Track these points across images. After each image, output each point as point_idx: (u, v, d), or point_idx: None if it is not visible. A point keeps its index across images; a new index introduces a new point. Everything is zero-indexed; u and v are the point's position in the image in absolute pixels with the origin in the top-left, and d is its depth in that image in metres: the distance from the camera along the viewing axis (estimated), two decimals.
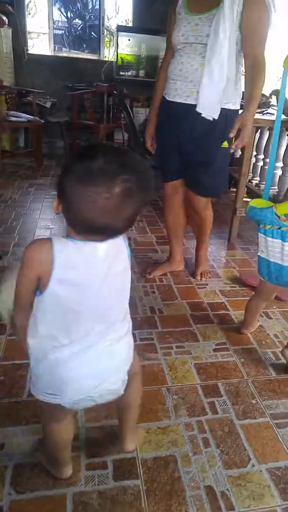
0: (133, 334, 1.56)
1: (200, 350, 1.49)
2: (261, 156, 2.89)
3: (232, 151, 1.66)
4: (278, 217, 1.22)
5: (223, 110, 1.61)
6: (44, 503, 0.94)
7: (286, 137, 2.78)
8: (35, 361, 0.81)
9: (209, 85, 1.56)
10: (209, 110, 1.60)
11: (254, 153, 2.93)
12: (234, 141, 1.64)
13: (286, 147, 2.58)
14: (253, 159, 2.95)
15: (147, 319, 1.66)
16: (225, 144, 1.68)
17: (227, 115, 1.63)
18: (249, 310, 1.55)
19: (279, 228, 1.23)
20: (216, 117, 1.60)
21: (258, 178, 2.96)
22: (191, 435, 1.14)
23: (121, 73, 4.74)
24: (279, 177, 2.63)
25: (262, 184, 2.82)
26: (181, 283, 1.98)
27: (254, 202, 1.31)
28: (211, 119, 1.60)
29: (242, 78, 1.66)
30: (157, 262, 2.16)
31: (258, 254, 1.36)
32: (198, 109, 1.61)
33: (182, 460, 1.06)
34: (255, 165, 3.00)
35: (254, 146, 2.83)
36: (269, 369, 1.41)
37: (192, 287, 1.95)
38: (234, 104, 1.67)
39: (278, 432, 1.15)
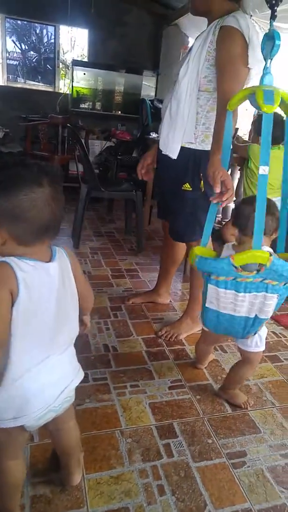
0: (86, 374, 1.52)
1: (155, 388, 1.46)
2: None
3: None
4: (236, 268, 1.11)
5: (183, 150, 1.58)
6: None
7: (238, 171, 2.95)
8: None
9: (167, 122, 1.60)
10: (165, 148, 1.63)
11: None
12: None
13: (238, 181, 2.72)
14: None
15: (100, 358, 1.61)
16: (186, 186, 1.60)
17: (188, 155, 1.57)
18: (199, 352, 1.58)
19: (234, 279, 1.13)
20: (174, 156, 1.60)
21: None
22: (146, 483, 1.09)
23: (80, 105, 4.82)
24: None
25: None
26: (136, 318, 1.96)
27: (198, 252, 1.21)
28: (172, 157, 1.61)
29: (212, 116, 1.52)
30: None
31: (206, 305, 1.23)
32: (160, 146, 1.65)
33: None
34: None
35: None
36: (225, 405, 1.41)
37: (147, 321, 1.93)
38: (199, 143, 1.56)
39: (234, 473, 1.14)
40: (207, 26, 1.51)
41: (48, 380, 0.82)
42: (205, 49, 1.47)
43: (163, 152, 1.66)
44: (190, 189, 1.62)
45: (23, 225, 0.72)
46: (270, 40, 1.09)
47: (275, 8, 1.13)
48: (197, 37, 1.54)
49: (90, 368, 1.53)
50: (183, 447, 1.21)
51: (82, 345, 1.67)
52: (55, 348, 0.83)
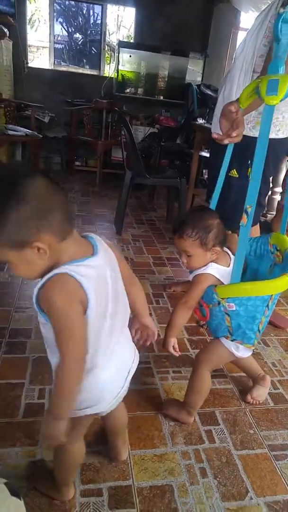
0: None
1: None
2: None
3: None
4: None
5: None
6: None
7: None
8: None
9: (219, 105, 1.57)
10: (215, 131, 1.62)
11: None
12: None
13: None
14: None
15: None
16: (233, 172, 1.58)
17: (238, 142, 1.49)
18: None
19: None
20: None
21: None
22: (188, 464, 1.13)
23: (124, 90, 4.81)
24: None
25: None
26: None
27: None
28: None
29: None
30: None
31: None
32: (212, 130, 1.62)
33: (179, 490, 1.06)
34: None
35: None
36: (267, 398, 1.42)
37: None
38: (250, 130, 1.48)
39: (276, 464, 1.16)
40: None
41: (116, 365, 0.84)
42: (265, 24, 1.38)
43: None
44: (237, 175, 1.59)
45: (51, 215, 0.66)
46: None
47: None
48: (258, 15, 1.47)
49: None
50: (224, 434, 1.24)
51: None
52: (116, 333, 0.84)
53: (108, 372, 0.82)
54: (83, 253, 0.73)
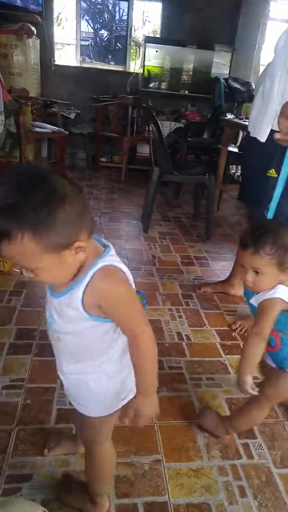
0: (160, 360, 1.52)
1: (232, 383, 1.43)
2: None
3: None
4: None
5: (273, 134, 1.37)
6: None
7: None
8: (106, 385, 0.79)
9: (258, 102, 1.51)
10: (254, 129, 1.53)
11: None
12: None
13: None
14: None
15: (174, 346, 1.61)
16: (271, 172, 1.50)
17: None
18: None
19: None
20: (262, 139, 1.50)
21: None
22: (226, 481, 1.08)
23: (149, 85, 4.74)
24: None
25: None
26: (208, 308, 1.92)
27: None
28: (260, 140, 1.51)
29: None
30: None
31: None
32: (248, 128, 1.55)
33: (217, 510, 1.00)
34: None
35: None
36: None
37: (220, 313, 1.89)
38: None
39: None
40: None
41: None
42: None
43: (251, 134, 1.56)
44: (275, 175, 1.51)
45: (87, 213, 0.65)
46: None
47: None
48: None
49: (165, 355, 1.53)
50: (263, 449, 1.17)
51: (155, 331, 1.67)
52: None
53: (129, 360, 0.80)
54: (99, 248, 0.72)
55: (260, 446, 1.19)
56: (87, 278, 0.66)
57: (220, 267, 2.39)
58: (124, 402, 0.81)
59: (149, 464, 1.10)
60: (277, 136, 1.18)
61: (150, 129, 2.94)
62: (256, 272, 1.01)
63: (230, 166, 4.04)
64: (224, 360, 1.55)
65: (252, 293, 1.09)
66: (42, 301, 1.83)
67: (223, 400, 1.35)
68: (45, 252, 0.60)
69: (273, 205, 1.43)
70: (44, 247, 0.59)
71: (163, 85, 4.82)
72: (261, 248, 0.98)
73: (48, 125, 3.79)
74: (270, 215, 1.42)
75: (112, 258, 0.70)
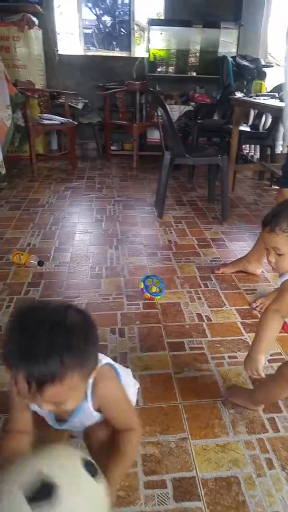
0: (181, 342, 1.52)
1: None
2: None
3: None
4: None
5: None
6: None
7: None
8: None
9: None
10: None
11: None
12: None
13: None
14: None
15: (195, 327, 1.60)
16: None
17: None
18: None
19: None
20: None
21: None
22: (253, 454, 1.08)
23: (156, 69, 4.65)
24: None
25: None
26: (227, 288, 1.91)
27: None
28: None
29: None
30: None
31: None
32: None
33: (246, 483, 1.00)
34: None
35: None
36: None
37: (239, 292, 1.87)
38: None
39: None
40: None
41: None
42: None
43: None
44: None
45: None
46: None
47: None
48: None
49: (186, 337, 1.53)
50: None
51: (175, 314, 1.68)
52: None
53: None
54: None
55: (285, 419, 1.18)
56: (90, 388, 0.77)
57: (238, 247, 2.36)
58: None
59: (175, 442, 1.11)
60: None
61: (159, 114, 2.90)
62: (278, 253, 0.98)
63: (243, 146, 3.96)
64: (245, 338, 1.54)
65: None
66: (61, 290, 1.85)
67: (247, 377, 1.35)
68: (84, 379, 0.70)
69: None
70: (84, 375, 0.69)
71: (170, 69, 4.73)
72: (277, 226, 0.95)
73: (56, 117, 3.79)
74: None
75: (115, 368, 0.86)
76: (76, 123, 3.96)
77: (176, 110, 4.38)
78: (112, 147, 4.57)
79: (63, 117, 3.83)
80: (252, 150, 4.10)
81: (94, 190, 3.42)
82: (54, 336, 0.62)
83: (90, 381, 0.75)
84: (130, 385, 1.01)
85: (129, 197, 3.26)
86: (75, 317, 0.68)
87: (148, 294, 1.75)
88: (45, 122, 3.68)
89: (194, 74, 4.70)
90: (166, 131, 2.76)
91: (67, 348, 0.63)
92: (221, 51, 4.58)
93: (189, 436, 1.12)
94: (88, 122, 4.50)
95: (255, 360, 0.96)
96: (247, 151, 4.15)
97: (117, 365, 0.88)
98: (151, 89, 3.56)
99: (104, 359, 0.82)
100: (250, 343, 1.50)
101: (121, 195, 3.30)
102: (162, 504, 0.95)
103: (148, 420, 1.17)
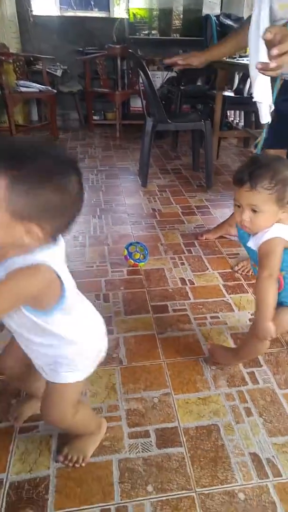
0: (165, 305, 1.56)
1: (236, 320, 1.47)
2: None
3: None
4: None
5: None
6: (90, 469, 0.96)
7: None
8: (79, 350, 0.83)
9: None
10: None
11: None
12: None
13: None
14: None
15: (178, 290, 1.64)
16: None
17: None
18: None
19: None
20: None
21: None
22: (233, 405, 1.13)
23: (137, 32, 4.47)
24: None
25: None
26: (211, 253, 1.93)
27: None
28: None
29: None
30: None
31: None
32: None
33: (225, 429, 1.06)
34: None
35: None
36: None
37: (222, 257, 1.90)
38: None
39: None
40: None
41: (101, 326, 0.94)
42: None
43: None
44: None
45: (65, 219, 0.67)
46: None
47: None
48: None
49: (169, 299, 1.57)
50: (268, 375, 1.23)
51: (158, 279, 1.71)
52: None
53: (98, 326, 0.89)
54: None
55: (265, 372, 1.24)
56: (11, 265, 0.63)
57: (222, 214, 2.37)
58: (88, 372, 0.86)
59: (158, 398, 1.16)
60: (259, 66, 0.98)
61: (140, 80, 2.82)
62: (254, 211, 0.98)
63: (228, 113, 3.90)
64: (227, 299, 1.58)
65: (248, 235, 1.08)
66: None
67: (228, 335, 1.40)
68: (7, 210, 0.59)
69: None
70: (7, 203, 0.58)
71: (153, 32, 4.56)
72: (258, 183, 0.94)
73: (35, 84, 3.65)
74: None
75: (50, 252, 0.66)
76: (55, 91, 3.82)
77: (159, 77, 4.26)
78: (95, 117, 4.45)
79: (42, 85, 3.69)
80: (237, 118, 4.04)
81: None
82: (22, 150, 0.61)
83: (17, 263, 0.64)
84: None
85: (112, 167, 3.21)
86: (71, 169, 0.63)
87: (132, 261, 1.76)
88: (23, 89, 3.54)
89: (178, 36, 4.54)
90: (148, 96, 2.70)
91: (18, 155, 0.59)
92: (205, 11, 4.42)
93: (172, 391, 1.18)
94: (68, 90, 4.35)
95: (266, 328, 0.96)
96: (232, 118, 4.09)
97: (74, 290, 0.77)
98: (130, 50, 3.42)
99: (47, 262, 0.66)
100: (232, 303, 1.55)
101: (104, 165, 3.25)
102: (145, 451, 1.01)
103: (132, 378, 1.21)
